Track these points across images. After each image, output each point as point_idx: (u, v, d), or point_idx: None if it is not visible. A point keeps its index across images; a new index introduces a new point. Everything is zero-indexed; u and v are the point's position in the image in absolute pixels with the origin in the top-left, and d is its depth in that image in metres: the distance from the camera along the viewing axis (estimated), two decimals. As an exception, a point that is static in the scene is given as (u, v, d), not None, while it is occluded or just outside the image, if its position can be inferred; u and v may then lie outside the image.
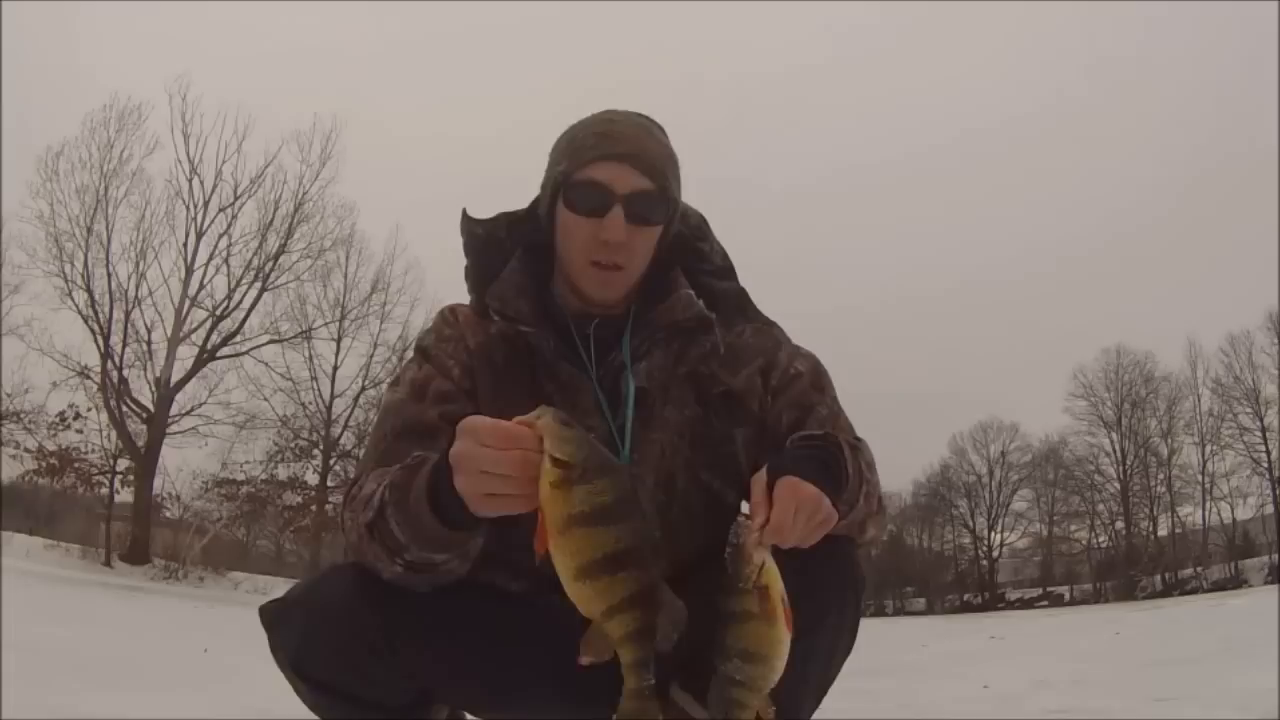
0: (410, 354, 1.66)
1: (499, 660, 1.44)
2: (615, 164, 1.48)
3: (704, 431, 1.54)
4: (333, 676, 1.35)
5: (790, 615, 1.20)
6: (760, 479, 1.26)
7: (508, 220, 1.63)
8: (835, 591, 1.42)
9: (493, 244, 1.61)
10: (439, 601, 1.37)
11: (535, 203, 1.61)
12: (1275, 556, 30.31)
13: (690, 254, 1.64)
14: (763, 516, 1.21)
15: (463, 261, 1.63)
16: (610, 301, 1.56)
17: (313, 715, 1.43)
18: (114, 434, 24.52)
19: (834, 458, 1.36)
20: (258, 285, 25.98)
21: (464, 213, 1.63)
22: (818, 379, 1.61)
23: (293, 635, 1.35)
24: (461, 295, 1.65)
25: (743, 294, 1.67)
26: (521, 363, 1.54)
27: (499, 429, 1.11)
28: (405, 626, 1.36)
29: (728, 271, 1.68)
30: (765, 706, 1.22)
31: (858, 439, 1.52)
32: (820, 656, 1.43)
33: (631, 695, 1.13)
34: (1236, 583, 30.18)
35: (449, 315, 1.61)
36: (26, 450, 24.07)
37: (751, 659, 1.20)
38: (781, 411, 1.57)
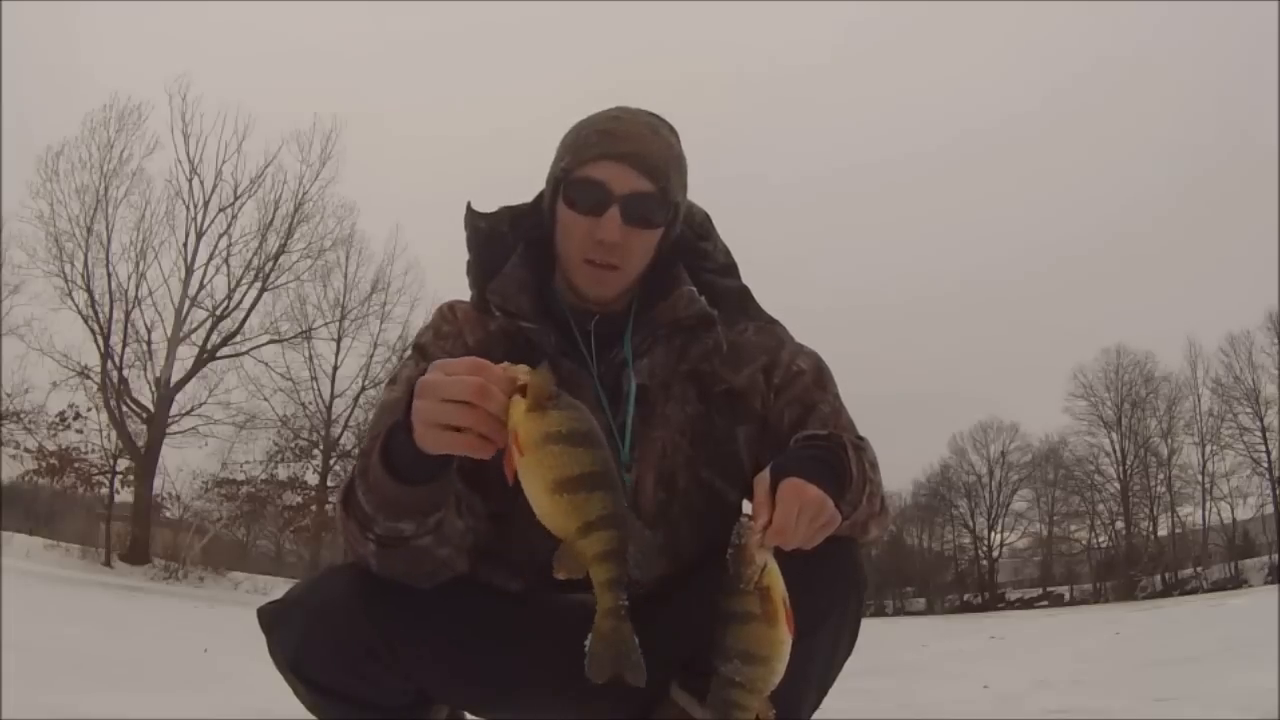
0: (410, 353, 1.66)
1: (498, 660, 1.44)
2: (616, 163, 1.47)
3: (705, 429, 1.54)
4: (331, 678, 1.35)
5: (791, 617, 1.20)
6: (763, 480, 1.26)
7: (510, 215, 1.62)
8: (837, 592, 1.41)
9: (495, 239, 1.60)
10: (437, 602, 1.37)
11: (539, 197, 1.61)
12: (1275, 556, 30.30)
13: (693, 252, 1.63)
14: (765, 517, 1.20)
15: (464, 258, 1.62)
16: (604, 300, 1.55)
17: (312, 717, 1.43)
18: (114, 434, 24.52)
19: (838, 458, 1.35)
20: (258, 285, 26.01)
21: (469, 206, 1.62)
22: (820, 377, 1.61)
23: (291, 637, 1.35)
24: (460, 294, 1.65)
25: (745, 292, 1.67)
26: (522, 359, 1.53)
27: (470, 360, 1.12)
28: (404, 627, 1.36)
29: (730, 269, 1.67)
30: (765, 708, 1.21)
31: (860, 438, 1.51)
32: (821, 657, 1.42)
33: (607, 614, 1.13)
34: (1236, 583, 30.17)
35: (447, 312, 1.60)
36: (26, 450, 24.09)
37: (752, 660, 1.19)
38: (783, 409, 1.56)
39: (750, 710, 1.21)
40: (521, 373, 1.11)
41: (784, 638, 1.19)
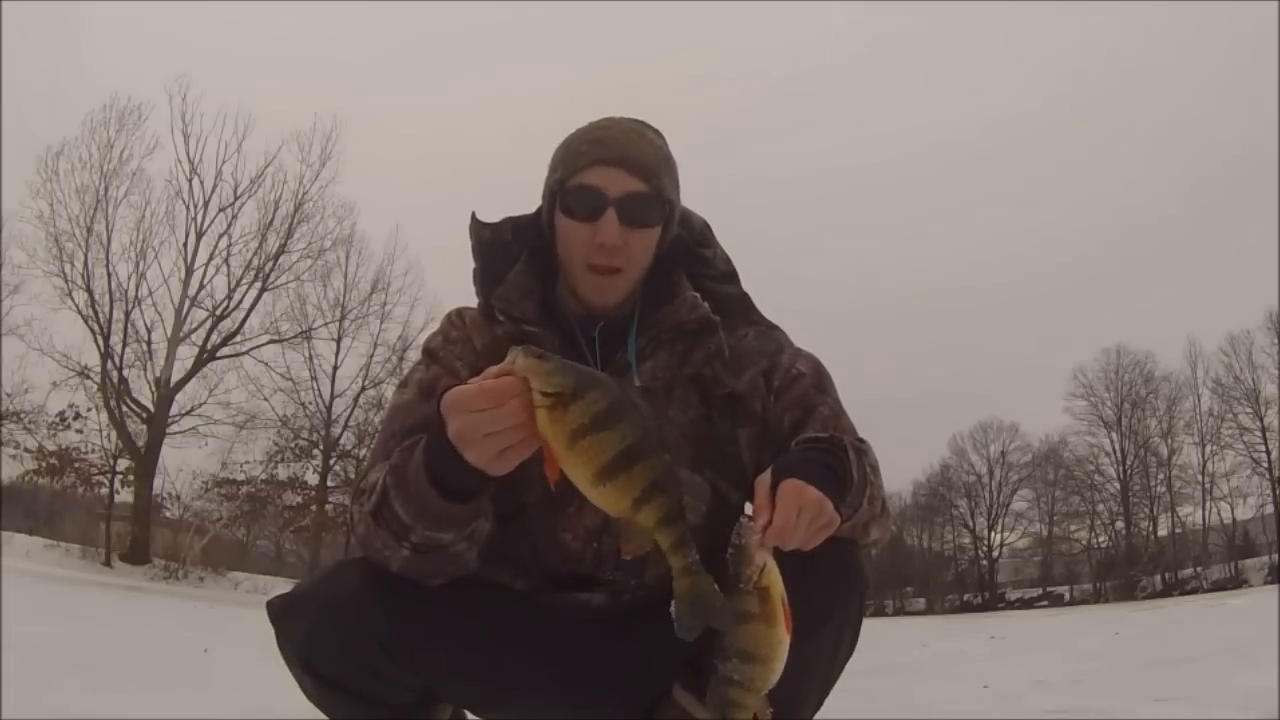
0: (410, 354, 1.67)
1: (504, 659, 1.45)
2: (608, 168, 1.51)
3: (707, 432, 1.55)
4: (340, 671, 1.36)
5: (790, 617, 1.20)
6: (764, 481, 1.27)
7: (513, 225, 1.65)
8: (838, 593, 1.42)
9: (499, 247, 1.63)
10: (446, 598, 1.38)
11: (540, 210, 1.64)
12: (1275, 556, 30.30)
13: (694, 259, 1.66)
14: (765, 518, 1.22)
15: (467, 262, 1.65)
16: (609, 306, 1.57)
17: (315, 715, 1.43)
18: (114, 434, 24.48)
19: (838, 460, 1.36)
20: (258, 285, 25.94)
21: (473, 216, 1.65)
22: (819, 380, 1.63)
23: (301, 628, 1.36)
24: (461, 295, 1.68)
25: (745, 298, 1.69)
26: None
27: (484, 392, 1.14)
28: (414, 623, 1.37)
29: (730, 276, 1.70)
30: (763, 708, 1.22)
31: (860, 440, 1.52)
32: (822, 658, 1.43)
33: (682, 574, 1.15)
34: (1236, 583, 30.17)
35: (455, 318, 1.63)
36: (26, 450, 24.04)
37: (750, 659, 1.20)
38: (784, 412, 1.58)
39: (748, 709, 1.21)
40: (517, 365, 1.12)
41: (782, 637, 1.20)
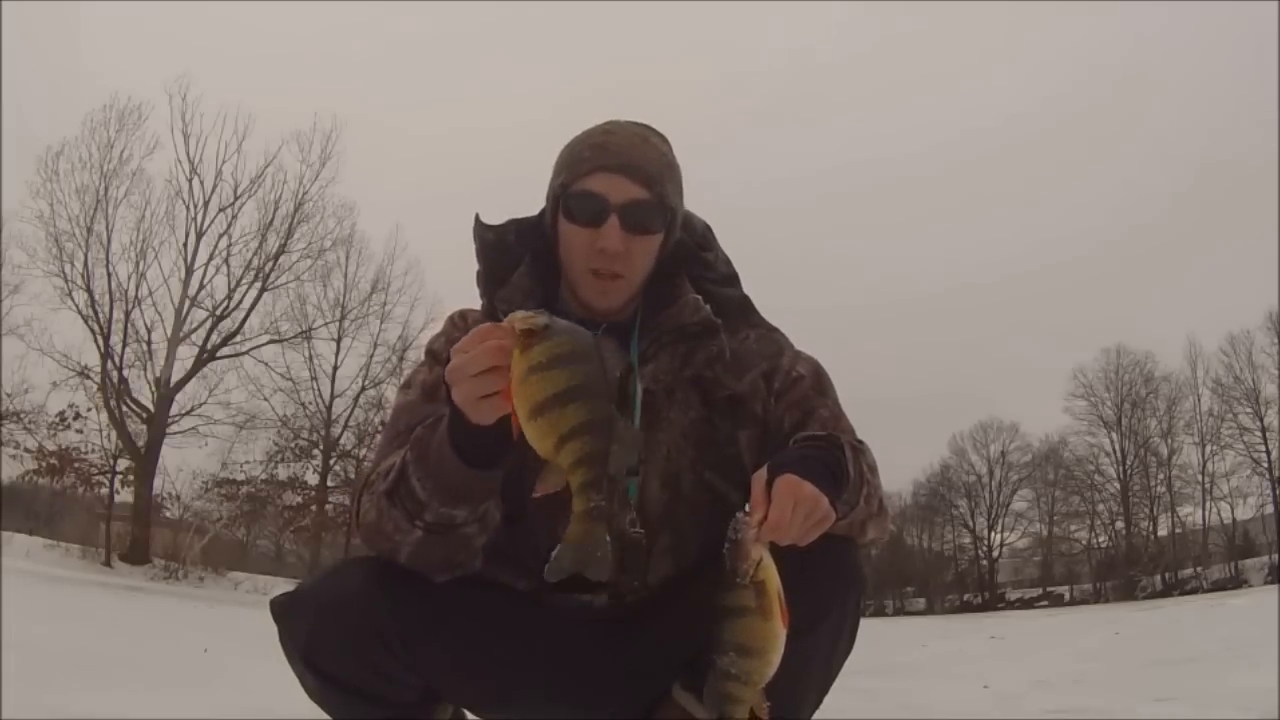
0: (411, 354, 1.68)
1: (505, 659, 1.45)
2: (611, 175, 1.51)
3: (708, 433, 1.56)
4: (342, 669, 1.36)
5: (786, 612, 1.21)
6: (760, 477, 1.28)
7: (516, 227, 1.66)
8: (836, 591, 1.43)
9: (502, 249, 1.64)
10: (450, 598, 1.39)
11: (543, 213, 1.64)
12: (1275, 556, 30.29)
13: (695, 262, 1.66)
14: (761, 513, 1.23)
15: (467, 263, 1.66)
16: (610, 310, 1.58)
17: (316, 714, 1.44)
18: (114, 434, 24.47)
19: (835, 458, 1.37)
20: (258, 285, 25.93)
21: (476, 218, 1.66)
22: (819, 382, 1.63)
23: (303, 626, 1.36)
24: (461, 294, 1.70)
25: (746, 300, 1.70)
26: None
27: (474, 333, 1.17)
28: (417, 621, 1.37)
29: (731, 279, 1.70)
30: (760, 702, 1.23)
31: (859, 441, 1.53)
32: (820, 656, 1.44)
33: (579, 518, 1.14)
34: (1236, 583, 30.17)
35: (458, 320, 1.64)
36: (26, 450, 24.03)
37: (746, 653, 1.21)
38: (784, 414, 1.59)
39: (745, 703, 1.22)
40: (518, 319, 1.13)
41: (778, 631, 1.21)
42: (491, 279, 1.63)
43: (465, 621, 1.42)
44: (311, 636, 1.35)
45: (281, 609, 1.39)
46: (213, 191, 25.56)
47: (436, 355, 1.59)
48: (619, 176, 1.51)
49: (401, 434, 1.47)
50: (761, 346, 1.65)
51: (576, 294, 1.59)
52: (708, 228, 1.71)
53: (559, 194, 1.55)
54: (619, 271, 1.53)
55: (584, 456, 1.12)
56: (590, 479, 1.12)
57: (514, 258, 1.63)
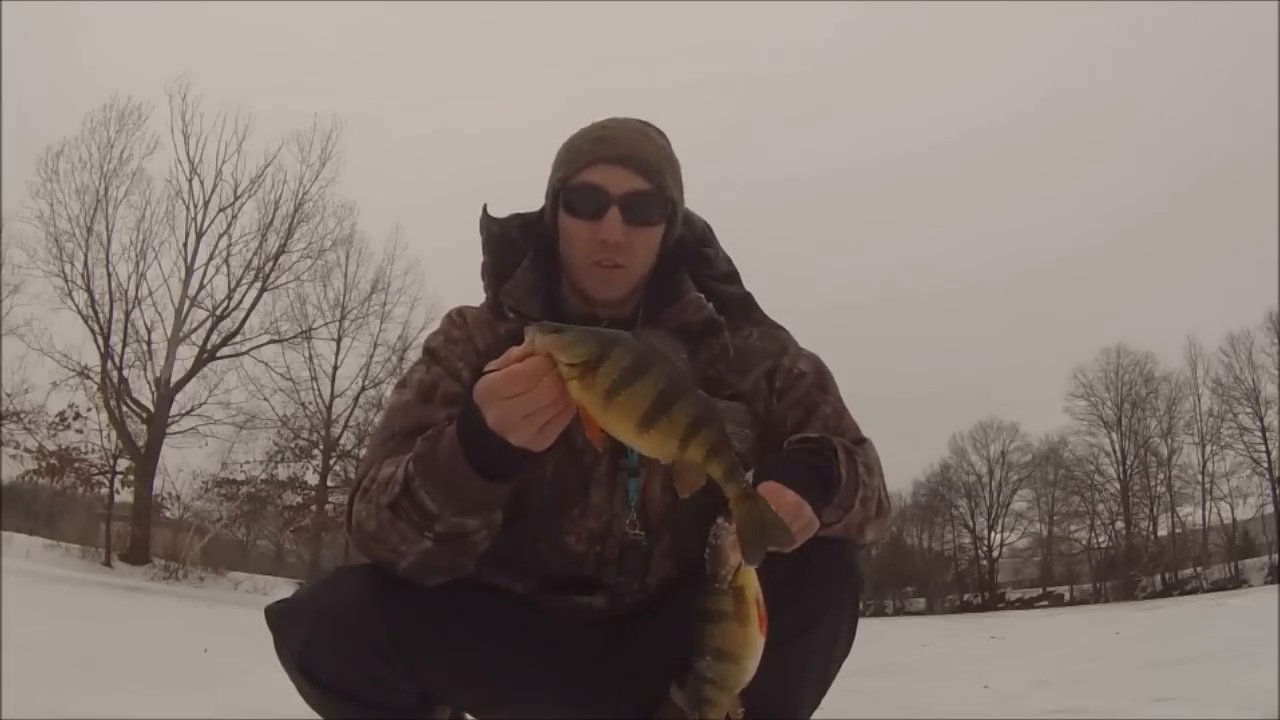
0: (410, 354, 1.67)
1: (502, 662, 1.45)
2: (610, 166, 1.51)
3: None
4: (338, 677, 1.36)
5: (765, 618, 1.22)
6: None
7: (520, 221, 1.66)
8: (833, 592, 1.42)
9: (507, 243, 1.64)
10: (445, 603, 1.38)
11: (545, 209, 1.64)
12: (1275, 556, 30.29)
13: (696, 259, 1.66)
14: None
15: (467, 262, 1.68)
16: (613, 300, 1.57)
17: (315, 716, 1.43)
18: (114, 434, 24.46)
19: (825, 463, 1.37)
20: (258, 285, 25.92)
21: (484, 209, 1.65)
22: (821, 379, 1.63)
23: (299, 634, 1.36)
24: (460, 293, 1.70)
25: (748, 298, 1.70)
26: None
27: (514, 377, 1.15)
28: (412, 627, 1.37)
29: (733, 276, 1.70)
30: (736, 706, 1.25)
31: (862, 439, 1.52)
32: (819, 657, 1.43)
33: (740, 499, 1.15)
34: (1236, 583, 30.15)
35: (456, 317, 1.63)
36: (26, 450, 24.01)
37: (723, 657, 1.22)
38: (786, 412, 1.58)
39: (721, 707, 1.24)
40: (538, 343, 1.13)
41: (755, 637, 1.22)
42: (496, 273, 1.62)
43: (462, 626, 1.41)
44: (307, 645, 1.35)
45: (276, 618, 1.39)
46: (213, 191, 25.57)
47: (434, 354, 1.58)
48: (618, 168, 1.51)
49: (396, 436, 1.47)
50: (765, 344, 1.65)
51: (578, 287, 1.58)
52: (707, 226, 1.71)
53: (558, 188, 1.55)
54: (620, 262, 1.53)
55: (713, 447, 1.13)
56: (730, 466, 1.13)
57: (518, 252, 1.63)
